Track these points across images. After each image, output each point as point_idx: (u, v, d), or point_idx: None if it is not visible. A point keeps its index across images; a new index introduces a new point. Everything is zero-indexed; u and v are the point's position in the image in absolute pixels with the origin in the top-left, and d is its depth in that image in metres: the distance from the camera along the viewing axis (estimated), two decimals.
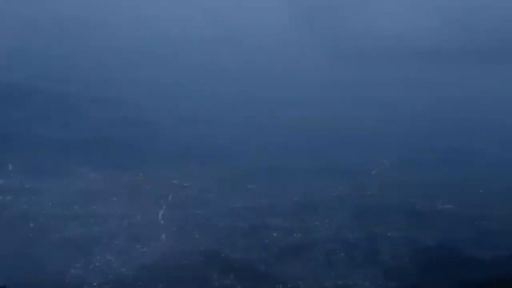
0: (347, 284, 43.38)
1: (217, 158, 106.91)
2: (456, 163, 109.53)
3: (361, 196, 74.92)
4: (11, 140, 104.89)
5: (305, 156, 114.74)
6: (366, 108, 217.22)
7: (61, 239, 51.53)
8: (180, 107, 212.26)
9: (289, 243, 52.65)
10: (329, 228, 58.02)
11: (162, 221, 59.29)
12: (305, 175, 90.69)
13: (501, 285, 38.45)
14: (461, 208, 68.96)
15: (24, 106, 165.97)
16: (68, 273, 44.16)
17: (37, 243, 50.46)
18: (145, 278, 42.77)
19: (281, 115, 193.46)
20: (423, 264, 47.98)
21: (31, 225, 55.62)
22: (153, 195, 71.39)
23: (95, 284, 42.48)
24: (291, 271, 45.22)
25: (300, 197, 73.20)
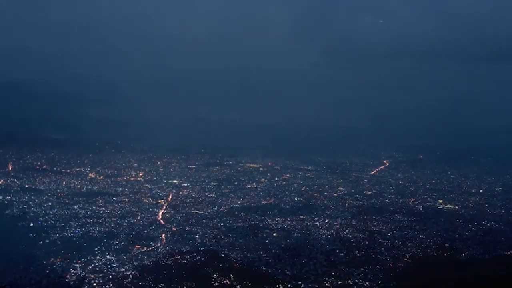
0: (347, 284, 43.23)
1: (218, 158, 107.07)
2: (456, 162, 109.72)
3: (361, 196, 74.99)
4: (11, 140, 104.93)
5: (304, 156, 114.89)
6: (366, 107, 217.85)
7: (61, 239, 51.41)
8: (181, 107, 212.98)
9: (289, 243, 52.52)
10: (329, 228, 57.96)
11: (162, 221, 59.22)
12: (305, 175, 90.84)
13: (501, 285, 38.38)
14: (461, 208, 69.03)
15: (25, 106, 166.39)
16: (68, 273, 44.02)
17: (37, 243, 50.33)
18: (145, 278, 42.67)
19: (281, 116, 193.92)
20: (423, 264, 47.88)
21: (31, 225, 55.57)
22: (153, 195, 71.47)
23: (95, 284, 42.39)
24: (291, 271, 45.09)
25: (300, 197, 73.30)
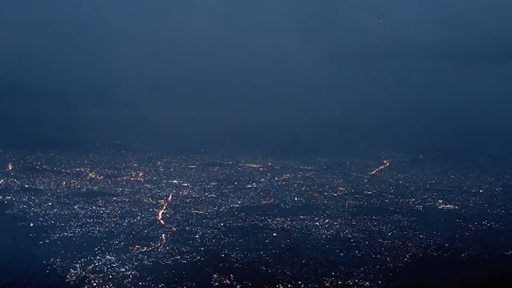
0: (347, 284, 43.25)
1: (218, 158, 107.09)
2: (456, 162, 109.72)
3: (361, 196, 75.02)
4: (11, 140, 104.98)
5: (304, 156, 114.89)
6: (367, 107, 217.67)
7: (61, 239, 51.43)
8: (181, 107, 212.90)
9: (289, 243, 52.53)
10: (329, 228, 58.01)
11: (162, 221, 59.26)
12: (305, 175, 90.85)
13: (501, 285, 38.44)
14: (461, 208, 69.05)
15: (24, 105, 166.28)
16: (68, 273, 44.04)
17: (37, 243, 50.35)
18: (145, 278, 42.71)
19: (281, 116, 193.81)
20: (423, 264, 47.90)
21: (31, 225, 55.61)
22: (153, 195, 71.50)
23: (95, 284, 42.41)
24: (291, 271, 45.11)
25: (300, 197, 73.34)
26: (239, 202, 69.61)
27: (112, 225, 56.78)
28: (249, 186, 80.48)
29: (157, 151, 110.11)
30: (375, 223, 60.25)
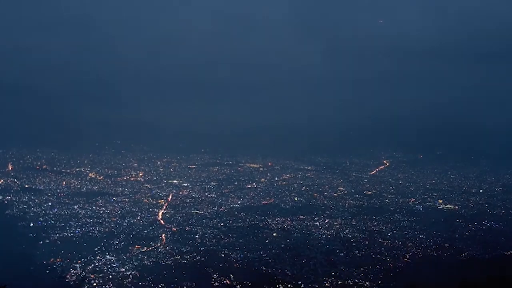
0: (347, 284, 43.23)
1: (218, 158, 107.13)
2: (456, 162, 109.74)
3: (361, 196, 75.01)
4: (11, 139, 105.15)
5: (304, 156, 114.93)
6: (366, 107, 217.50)
7: (61, 239, 51.44)
8: (181, 107, 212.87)
9: (289, 243, 52.50)
10: (329, 228, 57.98)
11: (162, 221, 59.27)
12: (305, 175, 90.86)
13: (501, 285, 38.38)
14: (461, 208, 69.01)
15: (24, 106, 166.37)
16: (68, 273, 44.04)
17: (37, 243, 50.36)
18: (145, 278, 42.70)
19: (281, 116, 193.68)
20: (423, 264, 47.88)
21: (31, 225, 55.62)
22: (153, 195, 71.51)
23: (95, 284, 42.40)
24: (291, 271, 45.10)
25: (300, 197, 73.33)
26: (239, 202, 69.61)
27: (112, 225, 56.78)
28: (249, 186, 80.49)
29: (157, 151, 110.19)
30: (375, 223, 60.22)
